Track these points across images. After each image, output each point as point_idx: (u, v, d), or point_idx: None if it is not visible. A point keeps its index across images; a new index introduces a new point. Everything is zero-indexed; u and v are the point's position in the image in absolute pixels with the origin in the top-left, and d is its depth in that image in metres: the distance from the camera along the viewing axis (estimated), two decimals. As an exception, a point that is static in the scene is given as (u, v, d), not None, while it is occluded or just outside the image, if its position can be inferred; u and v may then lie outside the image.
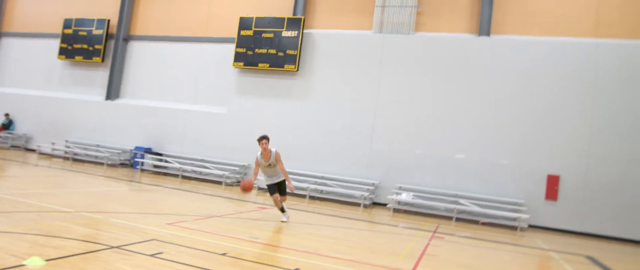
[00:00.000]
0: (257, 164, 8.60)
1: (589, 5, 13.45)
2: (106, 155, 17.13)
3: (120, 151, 17.54)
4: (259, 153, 8.53)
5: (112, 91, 18.55)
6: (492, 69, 13.93)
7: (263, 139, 8.44)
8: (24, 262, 4.38)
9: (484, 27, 14.08)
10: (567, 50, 13.34)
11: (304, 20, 15.76)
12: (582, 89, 13.11)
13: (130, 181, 14.01)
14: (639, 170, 12.37)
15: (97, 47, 18.71)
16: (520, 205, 12.97)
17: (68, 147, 18.24)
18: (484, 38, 14.08)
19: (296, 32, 15.69)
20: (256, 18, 16.28)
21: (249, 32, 16.32)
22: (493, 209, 12.89)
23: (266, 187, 8.91)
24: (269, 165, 8.56)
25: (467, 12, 14.57)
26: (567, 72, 13.26)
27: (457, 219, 12.89)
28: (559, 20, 13.63)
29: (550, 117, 13.28)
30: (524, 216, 12.37)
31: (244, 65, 16.25)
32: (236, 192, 13.95)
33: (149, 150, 17.17)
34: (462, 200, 13.23)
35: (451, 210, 13.05)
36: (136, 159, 16.94)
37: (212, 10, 17.75)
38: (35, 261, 4.46)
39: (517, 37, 13.92)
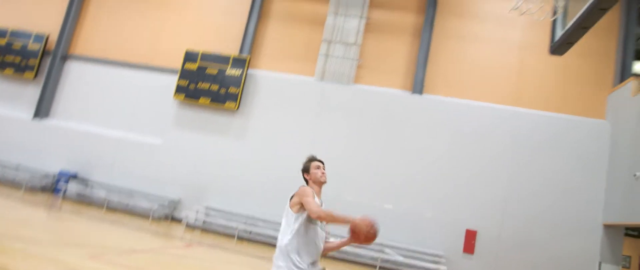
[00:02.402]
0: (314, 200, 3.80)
1: (509, 78, 14.84)
2: (26, 177, 16.19)
3: (42, 175, 16.61)
4: (308, 189, 3.87)
5: (42, 110, 17.72)
6: (422, 125, 14.86)
7: (315, 160, 4.11)
8: None
9: (418, 86, 15.09)
10: (489, 115, 14.55)
11: (249, 59, 16.11)
12: (500, 152, 14.25)
13: (51, 208, 13.34)
14: (545, 232, 13.45)
15: (31, 62, 17.94)
16: (440, 257, 13.63)
17: (-17, 164, 17.08)
18: (416, 96, 15.06)
19: (240, 70, 15.98)
20: (202, 53, 16.44)
21: (193, 66, 16.41)
22: (415, 259, 13.45)
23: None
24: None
25: (403, 71, 15.57)
26: (488, 134, 14.41)
27: (381, 268, 13.32)
28: (483, 87, 14.90)
29: (472, 174, 14.25)
30: (442, 268, 13.01)
31: (185, 97, 16.23)
32: (163, 226, 13.63)
33: (74, 176, 16.41)
34: (387, 249, 13.71)
35: (376, 259, 13.46)
36: (59, 185, 16.03)
37: (159, 39, 17.67)
38: None
39: (446, 98, 15.02)
